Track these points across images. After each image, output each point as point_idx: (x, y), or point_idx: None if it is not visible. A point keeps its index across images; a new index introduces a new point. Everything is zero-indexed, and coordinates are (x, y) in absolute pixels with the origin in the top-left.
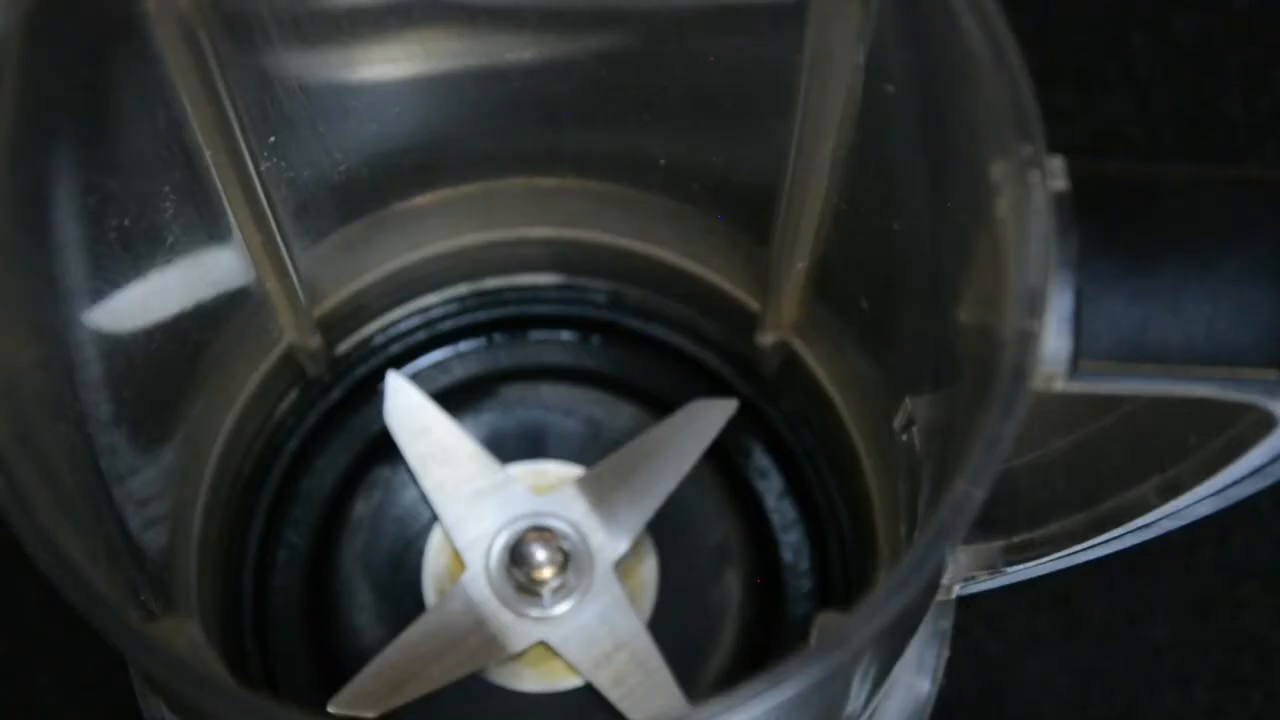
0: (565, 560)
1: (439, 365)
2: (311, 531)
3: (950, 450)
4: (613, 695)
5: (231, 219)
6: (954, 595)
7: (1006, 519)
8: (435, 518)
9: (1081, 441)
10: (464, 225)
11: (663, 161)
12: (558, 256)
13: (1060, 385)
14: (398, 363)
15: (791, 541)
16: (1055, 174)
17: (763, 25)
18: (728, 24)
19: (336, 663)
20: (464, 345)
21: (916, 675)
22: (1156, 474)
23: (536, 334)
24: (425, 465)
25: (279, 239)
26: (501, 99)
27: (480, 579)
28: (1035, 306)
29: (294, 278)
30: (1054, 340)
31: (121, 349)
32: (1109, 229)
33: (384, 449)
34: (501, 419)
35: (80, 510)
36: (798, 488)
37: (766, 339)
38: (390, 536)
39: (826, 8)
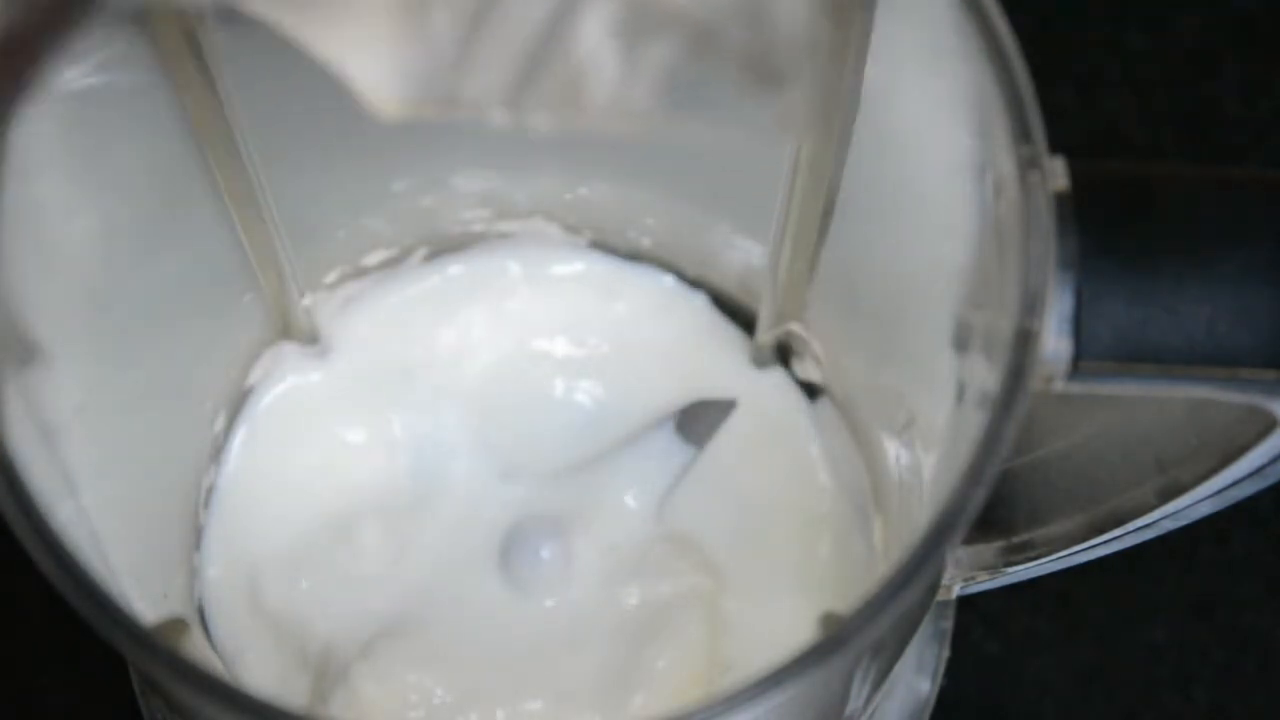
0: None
1: None
2: None
3: (950, 450)
4: None
5: (234, 219)
6: (954, 595)
7: (1006, 519)
8: None
9: (1081, 442)
10: (467, 219)
11: (661, 160)
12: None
13: (1060, 385)
14: None
15: None
16: (1055, 174)
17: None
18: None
19: None
20: None
21: (916, 675)
22: (1156, 474)
23: None
24: None
25: (278, 239)
26: None
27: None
28: (1035, 306)
29: (289, 278)
30: (1054, 340)
31: (119, 347)
32: (1109, 229)
33: None
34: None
35: (82, 511)
36: None
37: (766, 338)
38: None
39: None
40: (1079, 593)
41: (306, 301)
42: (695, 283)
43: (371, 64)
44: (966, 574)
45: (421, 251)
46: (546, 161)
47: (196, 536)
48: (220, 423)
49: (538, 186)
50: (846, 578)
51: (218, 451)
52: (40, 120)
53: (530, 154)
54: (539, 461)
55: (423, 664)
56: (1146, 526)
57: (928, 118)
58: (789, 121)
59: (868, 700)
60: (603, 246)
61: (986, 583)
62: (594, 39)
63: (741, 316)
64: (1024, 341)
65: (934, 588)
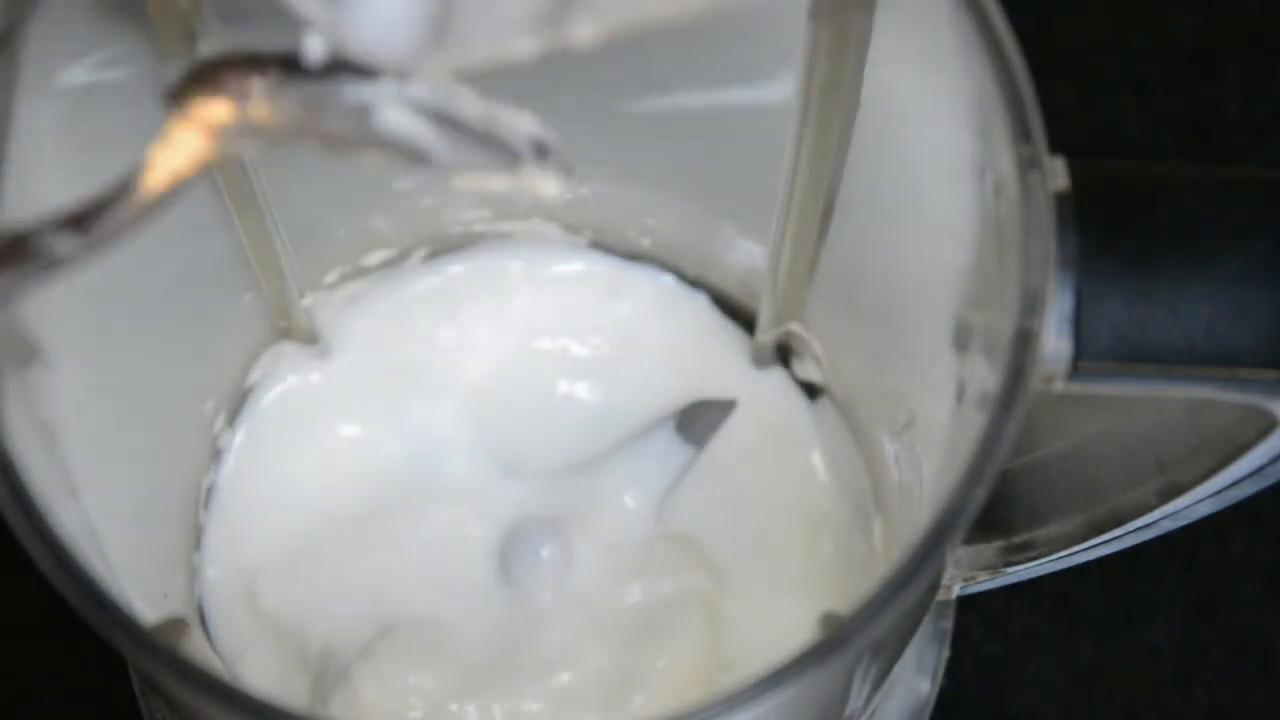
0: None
1: None
2: None
3: (950, 450)
4: None
5: (234, 219)
6: (954, 595)
7: (1006, 519)
8: None
9: (1081, 442)
10: (468, 219)
11: (661, 160)
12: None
13: (1060, 385)
14: None
15: None
16: (1055, 174)
17: (765, 23)
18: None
19: None
20: None
21: (916, 675)
22: (1156, 474)
23: None
24: None
25: (278, 239)
26: (502, 98)
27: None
28: (1035, 306)
29: (289, 277)
30: (1054, 340)
31: (119, 347)
32: (1109, 229)
33: None
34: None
35: (82, 511)
36: None
37: (766, 338)
38: None
39: (830, 6)
40: (1079, 593)
41: (306, 301)
42: (695, 283)
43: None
44: (966, 574)
45: (422, 251)
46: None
47: (196, 536)
48: (220, 423)
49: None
50: (846, 578)
51: (218, 451)
52: (40, 119)
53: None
54: (539, 461)
55: (423, 664)
56: (1146, 526)
57: (928, 118)
58: None
59: (868, 700)
60: (603, 246)
61: (986, 583)
62: None
63: (742, 316)
64: (1024, 341)
65: (934, 588)
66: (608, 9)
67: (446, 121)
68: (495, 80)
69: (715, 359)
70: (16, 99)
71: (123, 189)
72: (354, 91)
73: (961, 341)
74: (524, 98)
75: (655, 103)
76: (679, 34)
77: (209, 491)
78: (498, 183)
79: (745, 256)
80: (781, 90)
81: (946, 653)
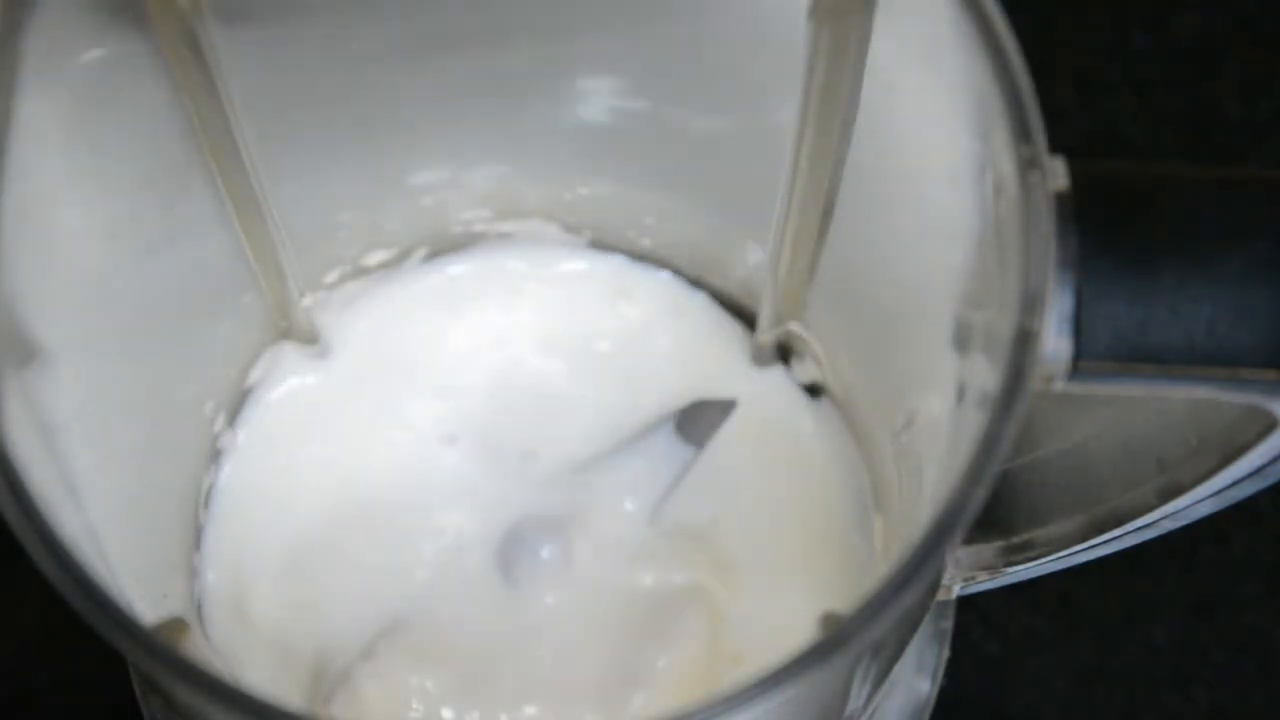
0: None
1: None
2: None
3: (950, 450)
4: None
5: (234, 218)
6: (954, 595)
7: (1006, 519)
8: None
9: (1081, 442)
10: (468, 219)
11: (661, 161)
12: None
13: (1060, 385)
14: None
15: None
16: (1055, 174)
17: (767, 22)
18: (733, 21)
19: None
20: None
21: (916, 675)
22: (1156, 474)
23: None
24: None
25: (278, 239)
26: (503, 97)
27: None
28: (1035, 306)
29: (289, 277)
30: (1054, 340)
31: (119, 347)
32: (1109, 229)
33: None
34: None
35: (82, 511)
36: None
37: (766, 338)
38: None
39: (830, 7)
40: (1079, 593)
41: (306, 301)
42: (695, 282)
43: None
44: (966, 574)
45: (422, 251)
46: (547, 161)
47: (196, 537)
48: (220, 423)
49: (538, 186)
50: (846, 578)
51: (218, 452)
52: (41, 120)
53: (531, 153)
54: (539, 462)
55: (424, 664)
56: (1146, 526)
57: (928, 118)
58: None
59: (868, 700)
60: (602, 246)
61: (986, 583)
62: None
63: (742, 316)
64: (1024, 341)
65: (934, 588)
66: None
67: None
68: (496, 79)
69: (715, 359)
70: (16, 99)
71: None
72: None
73: (961, 341)
74: (525, 98)
75: (655, 104)
76: (680, 36)
77: (209, 492)
78: None
79: (745, 256)
80: (782, 96)
81: (946, 653)
